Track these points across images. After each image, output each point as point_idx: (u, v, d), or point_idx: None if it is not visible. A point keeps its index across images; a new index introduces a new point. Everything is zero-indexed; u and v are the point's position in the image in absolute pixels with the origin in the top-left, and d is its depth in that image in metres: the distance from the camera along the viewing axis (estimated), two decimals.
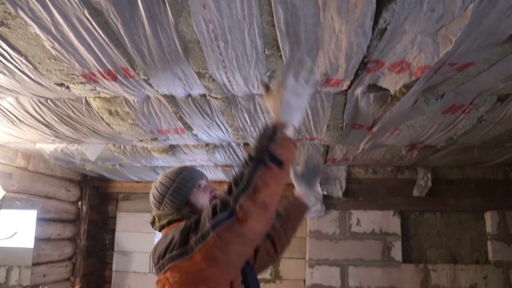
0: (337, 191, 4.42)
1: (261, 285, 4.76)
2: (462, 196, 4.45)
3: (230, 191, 1.35)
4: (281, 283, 4.96)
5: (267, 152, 1.36)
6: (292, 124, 1.46)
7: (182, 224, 1.50)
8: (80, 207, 5.04)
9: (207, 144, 3.51)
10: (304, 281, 4.55)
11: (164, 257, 1.48)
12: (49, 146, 3.76)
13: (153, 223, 1.83)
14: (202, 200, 1.81)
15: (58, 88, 2.34)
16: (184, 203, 1.79)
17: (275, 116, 1.46)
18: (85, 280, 5.06)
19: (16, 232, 3.59)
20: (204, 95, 2.43)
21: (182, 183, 1.81)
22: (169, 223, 1.74)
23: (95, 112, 2.74)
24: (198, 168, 1.94)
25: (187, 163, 4.14)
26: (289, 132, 1.45)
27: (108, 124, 2.94)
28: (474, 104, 2.46)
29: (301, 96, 1.46)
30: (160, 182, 1.84)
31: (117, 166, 4.48)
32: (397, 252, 4.37)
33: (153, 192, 1.85)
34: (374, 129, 2.90)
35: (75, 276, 4.93)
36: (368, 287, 4.34)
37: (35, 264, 4.25)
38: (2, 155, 3.72)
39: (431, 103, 2.44)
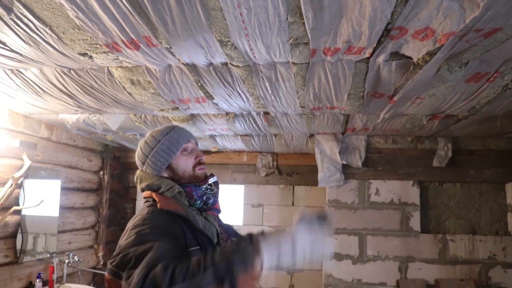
0: (357, 161, 4.42)
1: None
2: (483, 167, 4.42)
3: (175, 273, 1.24)
4: None
5: (232, 275, 1.26)
6: (271, 259, 1.35)
7: (137, 228, 1.46)
8: (101, 176, 5.14)
9: (227, 113, 3.53)
10: None
11: (114, 258, 1.44)
12: (71, 117, 3.82)
13: (136, 183, 1.77)
14: (184, 165, 1.72)
15: (81, 58, 2.36)
16: (165, 166, 1.71)
17: (264, 244, 1.36)
18: (108, 247, 5.20)
19: (42, 201, 3.67)
20: (226, 64, 2.44)
21: (165, 145, 1.72)
22: (147, 188, 1.68)
23: (117, 81, 2.76)
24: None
25: (207, 133, 4.17)
26: (262, 262, 1.33)
27: (130, 93, 2.97)
28: (499, 72, 2.42)
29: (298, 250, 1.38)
30: (145, 141, 1.77)
31: (138, 136, 4.53)
32: (415, 222, 4.39)
33: (137, 151, 1.79)
34: (395, 98, 2.88)
35: (98, 244, 5.08)
36: (386, 256, 4.38)
37: (60, 231, 4.39)
38: (26, 126, 3.79)
39: (455, 71, 2.41)
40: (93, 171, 5.02)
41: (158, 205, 1.59)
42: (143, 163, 1.75)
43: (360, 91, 2.81)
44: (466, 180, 4.44)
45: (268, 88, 2.77)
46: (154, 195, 1.64)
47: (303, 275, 4.99)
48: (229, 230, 1.84)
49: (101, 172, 5.15)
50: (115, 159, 5.41)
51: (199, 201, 1.67)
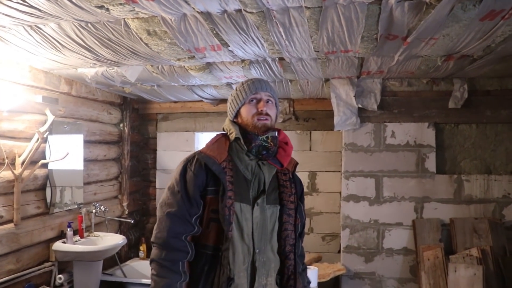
0: (372, 104, 4.44)
1: None
2: (499, 107, 4.40)
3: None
4: (317, 195, 5.17)
5: None
6: None
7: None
8: (122, 129, 5.26)
9: (242, 60, 3.56)
10: (340, 193, 4.73)
11: None
12: (90, 70, 3.89)
13: None
14: (247, 113, 1.89)
15: (98, 10, 2.40)
16: (235, 112, 1.94)
17: None
18: (131, 197, 5.41)
19: (68, 153, 3.81)
20: (240, 10, 2.46)
21: (237, 93, 1.93)
22: (224, 128, 1.98)
23: (134, 33, 2.81)
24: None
25: (223, 81, 4.22)
26: None
27: (146, 44, 3.02)
28: None
29: None
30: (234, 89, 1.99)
31: (155, 87, 4.60)
32: (431, 163, 4.45)
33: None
34: (408, 39, 2.88)
35: (122, 194, 5.27)
36: (402, 197, 4.48)
37: (86, 183, 4.56)
38: (47, 81, 3.88)
39: (468, 9, 2.39)
40: (113, 124, 5.14)
41: (202, 148, 1.89)
42: (229, 106, 2.00)
43: (374, 34, 2.81)
44: (482, 120, 4.44)
45: (282, 33, 2.79)
46: (216, 137, 1.95)
47: (322, 217, 5.15)
48: (294, 188, 1.99)
49: (121, 125, 5.27)
50: (134, 111, 5.52)
51: (254, 150, 1.85)
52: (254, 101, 1.90)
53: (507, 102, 4.38)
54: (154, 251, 1.80)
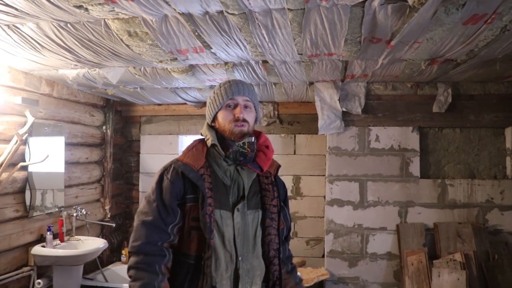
0: (356, 108, 4.44)
1: None
2: (482, 112, 4.42)
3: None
4: (301, 199, 5.15)
5: None
6: None
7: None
8: (104, 131, 5.19)
9: (226, 63, 3.53)
10: (324, 197, 4.71)
11: None
12: (71, 72, 3.83)
13: None
14: (224, 119, 1.84)
15: (77, 10, 2.35)
16: (213, 116, 1.89)
17: None
18: (114, 200, 5.33)
19: (47, 156, 3.74)
20: (221, 12, 2.43)
21: (215, 96, 1.88)
22: (202, 134, 1.94)
23: (115, 34, 2.76)
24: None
25: (207, 83, 4.18)
26: None
27: (127, 45, 2.97)
28: (497, 13, 2.39)
29: None
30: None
31: (138, 89, 4.55)
32: (415, 167, 4.45)
33: None
34: (392, 43, 2.87)
35: (105, 197, 5.19)
36: (386, 201, 4.47)
37: (67, 186, 4.48)
38: (27, 82, 3.81)
39: (452, 13, 2.38)
40: (95, 126, 5.07)
41: (179, 156, 1.87)
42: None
43: (357, 36, 2.80)
44: (465, 125, 4.46)
45: (265, 35, 2.76)
46: (194, 143, 1.91)
47: (306, 221, 5.13)
48: (277, 191, 1.94)
49: (103, 127, 5.20)
50: (117, 114, 5.45)
51: (232, 156, 1.81)
52: (232, 106, 1.84)
53: (490, 107, 4.41)
54: (131, 259, 1.77)
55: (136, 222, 1.81)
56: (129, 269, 1.75)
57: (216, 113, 1.87)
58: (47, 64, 3.52)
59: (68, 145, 4.46)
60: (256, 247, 1.83)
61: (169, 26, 2.64)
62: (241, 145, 1.80)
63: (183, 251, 1.79)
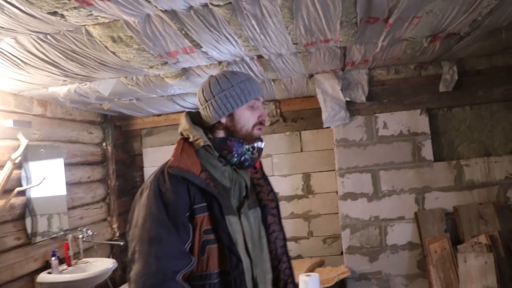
0: (360, 96, 4.26)
1: (294, 201, 4.86)
2: (492, 86, 4.24)
3: None
4: (314, 197, 4.98)
5: None
6: None
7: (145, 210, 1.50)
8: (105, 148, 5.06)
9: (220, 62, 3.37)
10: (337, 192, 4.53)
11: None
12: (62, 89, 3.71)
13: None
14: (246, 120, 1.61)
15: (53, 18, 2.22)
16: (228, 113, 1.60)
17: None
18: (121, 218, 5.18)
19: (44, 178, 3.61)
20: (206, 5, 2.28)
21: (236, 91, 1.60)
22: (181, 133, 1.65)
23: (98, 41, 2.63)
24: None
25: None
26: None
27: (113, 53, 2.83)
28: None
29: None
30: (216, 79, 1.63)
31: (134, 100, 4.41)
32: (427, 151, 4.26)
33: (203, 87, 1.66)
34: (390, 21, 2.71)
35: (111, 216, 5.06)
36: (401, 189, 4.29)
37: (71, 208, 4.35)
38: (17, 104, 3.69)
39: None
40: (95, 144, 4.94)
41: (170, 162, 1.56)
42: (206, 101, 1.63)
43: (353, 17, 2.63)
44: (475, 102, 4.28)
45: (256, 26, 2.61)
46: (177, 145, 1.63)
47: (320, 219, 4.96)
48: (269, 185, 1.80)
49: (103, 144, 5.07)
50: (116, 129, 5.32)
51: (235, 159, 1.60)
52: (253, 107, 1.62)
53: (499, 80, 4.24)
54: None
55: (141, 255, 1.45)
56: None
57: (234, 111, 1.61)
58: (34, 83, 3.39)
59: (67, 165, 4.33)
60: (263, 248, 1.66)
61: (153, 26, 2.50)
62: (250, 149, 1.62)
63: (198, 273, 1.51)
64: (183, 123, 1.66)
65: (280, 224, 1.74)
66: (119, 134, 5.42)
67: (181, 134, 1.66)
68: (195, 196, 1.51)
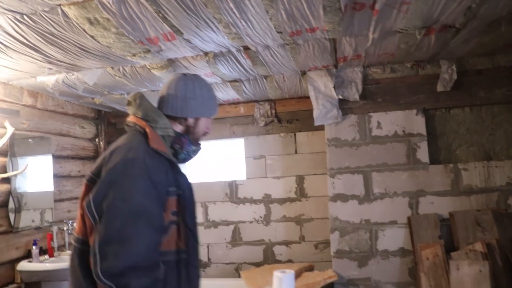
0: (353, 94, 4.13)
1: (286, 204, 4.75)
2: (493, 87, 4.07)
3: None
4: (307, 200, 4.85)
5: None
6: None
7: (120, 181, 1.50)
8: (97, 143, 5.01)
9: (206, 54, 3.31)
10: None
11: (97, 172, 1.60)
12: (49, 78, 3.70)
13: (130, 104, 1.77)
14: (203, 126, 1.84)
15: None
16: (193, 116, 1.80)
17: None
18: None
19: (27, 165, 3.58)
20: None
21: (212, 103, 1.87)
22: (143, 116, 1.69)
23: (75, 23, 2.59)
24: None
25: None
26: None
27: (92, 37, 2.80)
28: None
29: None
30: (193, 82, 1.82)
31: (125, 95, 4.36)
32: (423, 153, 4.11)
33: (187, 81, 1.81)
34: (377, 6, 2.60)
35: None
36: (394, 192, 4.13)
37: (58, 200, 4.30)
38: (7, 93, 3.70)
39: None
40: (87, 139, 4.90)
41: (150, 142, 1.61)
42: (185, 96, 1.78)
43: (336, 2, 2.53)
44: (475, 103, 4.11)
45: (235, 10, 2.53)
46: (146, 127, 1.66)
47: (313, 224, 4.81)
48: None
49: (96, 139, 5.02)
50: (110, 126, 5.27)
51: (183, 155, 1.79)
52: (210, 119, 1.89)
53: (501, 81, 4.05)
54: (136, 282, 1.40)
55: (130, 228, 1.44)
56: None
57: (204, 116, 1.85)
58: (20, 70, 3.39)
59: (56, 157, 4.29)
60: None
61: (129, 8, 2.46)
62: (196, 150, 1.85)
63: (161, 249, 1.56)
64: (148, 106, 1.72)
65: None
66: (113, 131, 5.36)
67: (140, 115, 1.70)
68: (172, 180, 1.62)
